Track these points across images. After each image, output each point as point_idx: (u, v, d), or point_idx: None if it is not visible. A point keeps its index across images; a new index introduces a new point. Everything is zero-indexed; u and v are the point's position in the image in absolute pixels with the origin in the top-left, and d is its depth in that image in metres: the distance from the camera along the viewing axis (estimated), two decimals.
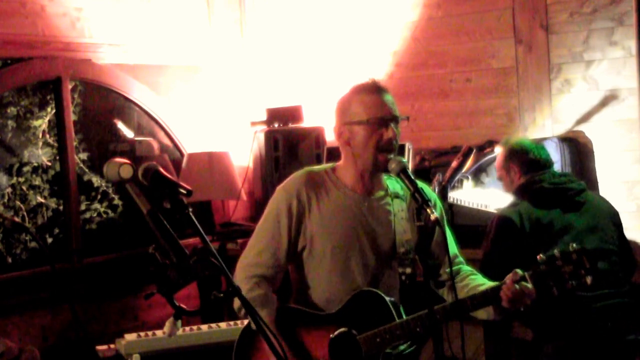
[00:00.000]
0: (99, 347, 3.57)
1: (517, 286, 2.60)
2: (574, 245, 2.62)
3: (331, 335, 2.70)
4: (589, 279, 2.59)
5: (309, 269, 2.82)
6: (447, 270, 2.84)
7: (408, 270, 2.80)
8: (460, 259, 2.91)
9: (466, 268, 2.88)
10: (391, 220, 2.81)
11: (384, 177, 2.85)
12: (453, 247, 2.90)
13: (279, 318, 2.74)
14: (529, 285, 2.61)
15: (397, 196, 2.83)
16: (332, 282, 2.78)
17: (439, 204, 2.89)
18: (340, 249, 2.76)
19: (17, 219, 3.71)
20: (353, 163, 2.79)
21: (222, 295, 2.05)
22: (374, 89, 2.76)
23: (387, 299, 2.71)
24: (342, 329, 2.70)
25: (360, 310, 2.71)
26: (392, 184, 2.86)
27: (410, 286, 2.82)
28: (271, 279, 2.80)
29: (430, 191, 2.90)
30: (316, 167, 2.91)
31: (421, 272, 2.85)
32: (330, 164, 2.91)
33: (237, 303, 2.70)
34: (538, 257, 2.64)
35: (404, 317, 2.70)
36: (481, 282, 2.78)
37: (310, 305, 2.81)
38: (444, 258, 2.85)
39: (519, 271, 2.64)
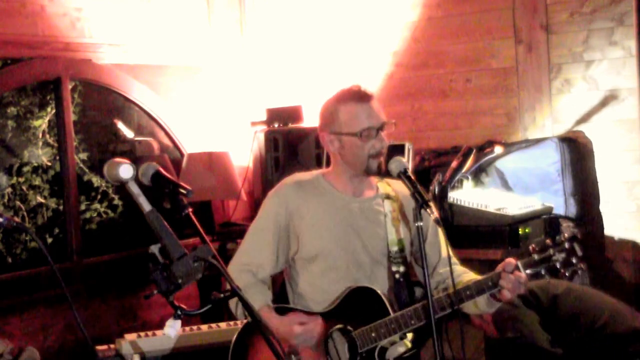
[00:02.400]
0: (99, 347, 3.57)
1: (511, 275, 2.62)
2: (566, 234, 2.64)
3: (327, 332, 2.71)
4: (583, 266, 2.60)
5: (303, 271, 2.84)
6: (441, 271, 2.85)
7: (401, 268, 2.83)
8: (454, 259, 2.92)
9: (459, 268, 2.89)
10: (382, 220, 2.83)
11: (375, 179, 2.88)
12: (448, 248, 2.90)
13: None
14: (523, 274, 2.62)
15: (388, 197, 2.87)
16: (324, 284, 2.80)
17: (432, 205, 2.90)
18: (332, 250, 2.78)
19: (17, 219, 3.71)
20: (344, 169, 2.82)
21: (222, 295, 2.05)
22: (361, 98, 2.76)
23: (382, 293, 2.72)
24: (338, 325, 2.72)
25: (355, 306, 2.73)
26: (383, 186, 2.90)
27: (404, 284, 2.84)
28: (261, 280, 2.84)
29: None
30: (307, 173, 2.94)
31: (414, 272, 2.87)
32: (320, 170, 2.96)
33: (232, 302, 2.73)
34: (530, 247, 2.66)
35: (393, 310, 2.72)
36: (473, 277, 2.80)
37: (305, 306, 2.83)
38: (438, 259, 2.86)
39: (512, 260, 2.66)
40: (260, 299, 2.75)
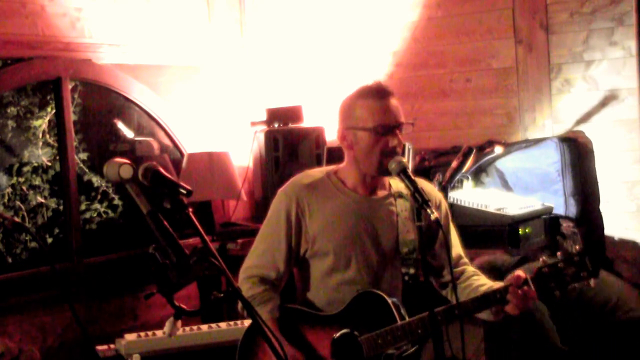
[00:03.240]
0: (99, 347, 3.57)
1: (519, 290, 2.61)
2: (577, 247, 2.63)
3: (333, 336, 2.70)
4: (592, 282, 2.59)
5: (312, 270, 2.82)
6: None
7: (411, 270, 2.80)
8: (465, 259, 2.91)
9: (470, 269, 2.88)
10: (394, 220, 2.81)
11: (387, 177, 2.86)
12: (457, 248, 2.90)
13: (282, 318, 2.74)
14: (532, 290, 2.61)
15: (400, 196, 2.83)
16: (334, 283, 2.78)
17: (444, 203, 2.89)
18: (342, 249, 2.76)
19: (17, 219, 3.71)
20: (356, 166, 2.79)
21: (222, 295, 2.05)
22: (380, 94, 2.73)
23: (389, 300, 2.70)
24: (344, 330, 2.70)
25: (362, 311, 2.71)
26: (395, 183, 2.86)
27: (414, 286, 2.82)
28: (272, 281, 2.81)
29: (434, 190, 2.91)
30: (317, 169, 2.92)
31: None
32: (331, 167, 2.92)
33: (247, 294, 2.73)
34: (541, 260, 2.64)
35: (406, 318, 2.70)
36: (483, 283, 2.78)
37: (313, 306, 2.82)
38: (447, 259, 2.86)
39: (522, 274, 2.64)
40: (267, 311, 2.71)
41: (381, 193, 2.84)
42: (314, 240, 2.78)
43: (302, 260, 2.84)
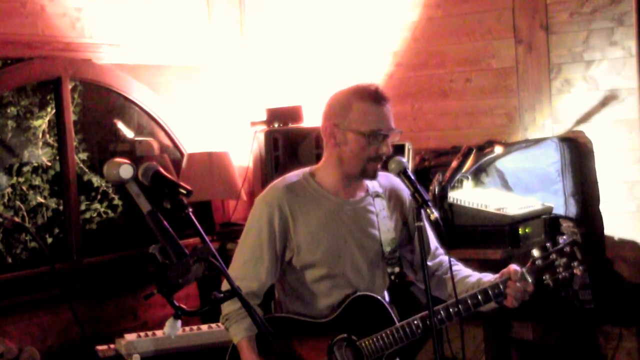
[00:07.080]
0: (99, 347, 3.58)
1: (518, 284, 2.62)
2: (565, 237, 2.66)
3: (330, 342, 2.68)
4: (579, 270, 2.62)
5: (300, 279, 2.76)
6: (429, 264, 2.82)
7: (396, 269, 2.80)
8: (441, 250, 2.91)
9: (446, 258, 2.84)
10: (375, 220, 2.79)
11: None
12: (433, 240, 2.90)
13: (273, 329, 2.71)
14: (530, 284, 2.63)
15: (377, 195, 2.82)
16: (323, 290, 2.74)
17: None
18: (329, 258, 2.72)
19: (17, 219, 3.72)
20: (337, 164, 2.74)
21: (222, 295, 2.05)
22: (378, 99, 2.67)
23: (385, 302, 2.69)
24: (341, 335, 2.68)
25: (358, 315, 2.69)
26: (372, 183, 2.84)
27: (400, 285, 2.83)
28: (254, 292, 2.73)
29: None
30: (293, 173, 2.84)
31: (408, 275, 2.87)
32: (306, 168, 2.85)
33: (224, 311, 2.70)
34: (533, 251, 2.67)
35: (397, 318, 2.70)
36: (467, 274, 2.79)
37: (303, 314, 2.77)
38: (427, 249, 2.82)
39: (518, 268, 2.66)
40: (243, 329, 2.66)
41: (360, 194, 2.80)
42: (299, 249, 2.72)
43: (287, 269, 2.77)
